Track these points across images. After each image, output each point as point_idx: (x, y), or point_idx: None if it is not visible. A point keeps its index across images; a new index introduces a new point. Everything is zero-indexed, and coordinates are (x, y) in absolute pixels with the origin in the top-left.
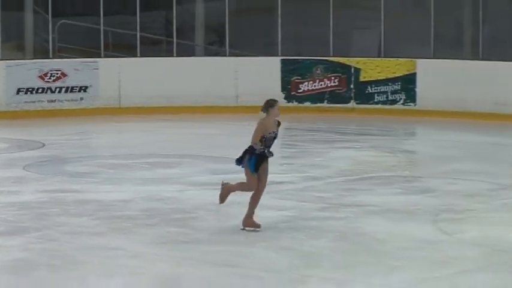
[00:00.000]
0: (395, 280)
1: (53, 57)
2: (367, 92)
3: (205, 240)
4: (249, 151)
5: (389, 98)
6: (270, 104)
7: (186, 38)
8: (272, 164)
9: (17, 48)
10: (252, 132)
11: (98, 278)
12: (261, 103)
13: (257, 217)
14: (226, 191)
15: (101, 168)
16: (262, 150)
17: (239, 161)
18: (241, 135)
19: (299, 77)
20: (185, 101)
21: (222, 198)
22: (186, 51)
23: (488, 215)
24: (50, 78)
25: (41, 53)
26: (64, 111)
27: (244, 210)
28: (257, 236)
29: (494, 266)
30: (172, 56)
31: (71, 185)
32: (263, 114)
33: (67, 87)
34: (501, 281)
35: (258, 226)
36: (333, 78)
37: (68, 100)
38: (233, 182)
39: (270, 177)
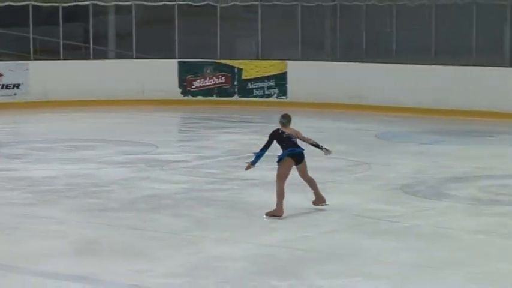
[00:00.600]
0: (275, 239)
1: None
2: (247, 87)
3: (118, 209)
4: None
5: (266, 92)
6: (290, 119)
7: (101, 44)
8: (171, 146)
9: None
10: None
11: (30, 241)
12: (164, 97)
13: (158, 190)
14: (318, 197)
15: (32, 151)
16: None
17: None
18: (147, 124)
19: (193, 76)
20: (100, 95)
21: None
22: (101, 55)
23: (346, 186)
24: None
25: None
26: (0, 105)
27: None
28: (158, 204)
29: (352, 227)
30: (89, 59)
31: (6, 165)
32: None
33: (3, 85)
34: (356, 240)
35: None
36: (220, 76)
37: (4, 95)
38: (313, 195)
39: (170, 156)
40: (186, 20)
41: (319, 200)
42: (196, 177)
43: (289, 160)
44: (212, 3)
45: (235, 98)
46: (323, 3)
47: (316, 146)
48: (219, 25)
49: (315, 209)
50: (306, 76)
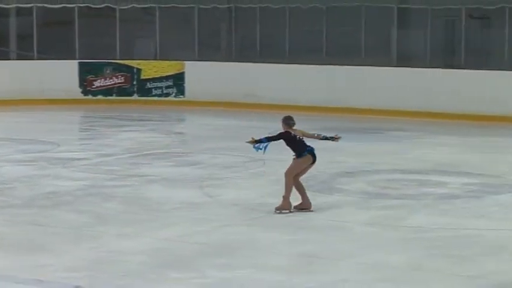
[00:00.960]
0: (173, 233)
1: None
2: (146, 87)
3: (20, 205)
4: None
5: (164, 91)
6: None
7: (2, 45)
8: (72, 144)
9: None
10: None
11: None
12: (65, 97)
13: (59, 186)
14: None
15: None
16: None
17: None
18: (48, 122)
19: (93, 76)
20: (2, 95)
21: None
22: (2, 55)
23: (242, 181)
24: None
25: None
26: None
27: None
28: (60, 201)
29: (248, 221)
30: None
31: None
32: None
33: None
34: (251, 233)
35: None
36: (119, 76)
37: None
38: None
39: (71, 154)
40: (86, 21)
41: (287, 204)
42: (96, 174)
43: (309, 157)
44: (111, 6)
45: (135, 97)
46: (219, 6)
47: (326, 138)
48: (118, 27)
49: (212, 203)
50: (203, 76)
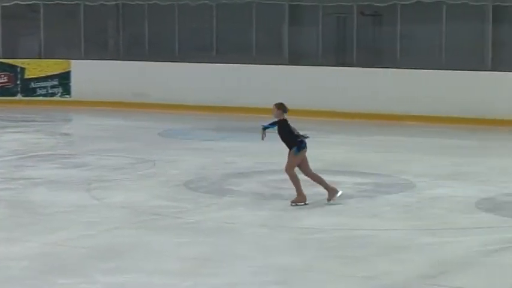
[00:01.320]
0: (59, 238)
1: None
2: (31, 87)
3: None
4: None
5: (49, 91)
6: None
7: None
8: None
9: None
10: None
11: None
12: None
13: None
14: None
15: None
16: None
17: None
18: None
19: None
20: None
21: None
22: None
23: (130, 183)
24: None
25: None
26: None
27: None
28: None
29: (136, 223)
30: None
31: None
32: None
33: None
34: (140, 236)
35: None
36: (2, 76)
37: None
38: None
39: None
40: None
41: (301, 197)
42: None
43: (305, 151)
44: None
45: (18, 97)
46: (105, 3)
47: (297, 135)
48: (1, 24)
49: (100, 206)
50: (90, 75)
